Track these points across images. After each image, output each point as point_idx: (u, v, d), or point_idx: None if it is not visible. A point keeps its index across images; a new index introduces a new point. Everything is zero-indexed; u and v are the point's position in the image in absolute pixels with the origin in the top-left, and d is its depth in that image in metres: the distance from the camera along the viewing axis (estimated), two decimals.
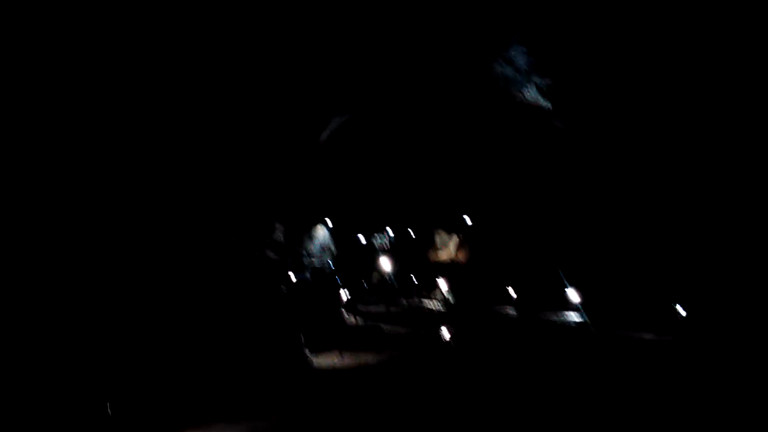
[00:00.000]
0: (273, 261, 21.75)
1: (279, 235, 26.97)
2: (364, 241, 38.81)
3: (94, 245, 10.76)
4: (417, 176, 32.97)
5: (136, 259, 11.52)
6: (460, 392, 12.23)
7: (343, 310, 20.42)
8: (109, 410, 8.79)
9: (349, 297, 21.14)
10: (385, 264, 30.58)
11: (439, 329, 20.28)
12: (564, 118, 25.00)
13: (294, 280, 29.91)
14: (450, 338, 18.81)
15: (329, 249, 39.73)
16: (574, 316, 21.60)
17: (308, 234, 39.89)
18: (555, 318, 21.88)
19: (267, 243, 21.80)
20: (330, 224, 39.31)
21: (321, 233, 40.05)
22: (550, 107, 24.79)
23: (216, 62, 18.97)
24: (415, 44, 23.55)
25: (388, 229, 38.35)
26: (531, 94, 24.78)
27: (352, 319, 19.86)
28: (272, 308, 15.73)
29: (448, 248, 32.01)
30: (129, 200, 13.10)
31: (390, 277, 31.30)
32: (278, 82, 21.95)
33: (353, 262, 35.68)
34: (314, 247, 39.86)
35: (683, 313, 18.43)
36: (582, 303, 21.86)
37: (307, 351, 15.41)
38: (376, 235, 38.29)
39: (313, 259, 39.14)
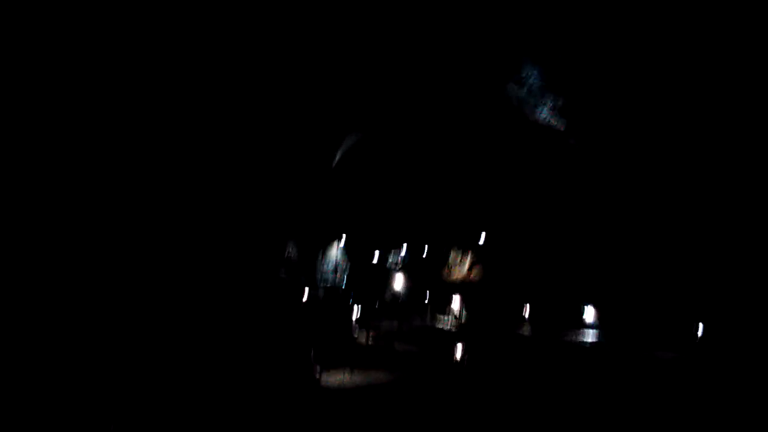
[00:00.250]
0: (285, 280, 21.76)
1: (292, 253, 27.03)
2: (377, 259, 38.71)
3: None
4: (431, 195, 32.93)
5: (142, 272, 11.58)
6: (472, 413, 12.03)
7: (354, 327, 20.28)
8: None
9: (360, 315, 21.00)
10: (398, 282, 30.48)
11: (451, 349, 20.08)
12: (578, 137, 24.90)
13: (305, 297, 29.93)
14: (462, 358, 18.59)
15: (343, 267, 39.67)
16: (591, 336, 21.25)
17: (322, 252, 39.93)
18: (571, 337, 21.52)
19: (281, 262, 21.84)
20: (344, 242, 39.36)
21: (335, 251, 40.04)
22: (564, 127, 24.70)
23: (226, 78, 19.26)
24: (428, 64, 23.74)
25: (403, 246, 38.29)
26: (544, 114, 24.73)
27: (363, 337, 19.73)
28: (282, 326, 15.68)
29: (461, 267, 31.77)
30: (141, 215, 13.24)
31: (403, 296, 31.14)
32: (291, 101, 22.21)
33: (366, 280, 35.57)
34: (328, 265, 39.84)
35: (702, 331, 18.02)
36: (599, 322, 21.55)
37: (317, 368, 15.30)
38: (391, 252, 38.22)
39: (326, 277, 39.13)
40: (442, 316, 28.22)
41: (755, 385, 13.03)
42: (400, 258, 39.47)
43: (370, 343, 19.32)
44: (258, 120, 20.77)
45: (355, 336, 19.92)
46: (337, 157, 28.40)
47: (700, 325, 17.79)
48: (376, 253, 38.68)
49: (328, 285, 38.64)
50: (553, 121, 24.66)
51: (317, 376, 14.96)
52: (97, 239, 11.13)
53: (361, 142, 29.87)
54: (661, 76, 21.30)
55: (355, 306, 21.22)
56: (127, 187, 12.89)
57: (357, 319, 20.64)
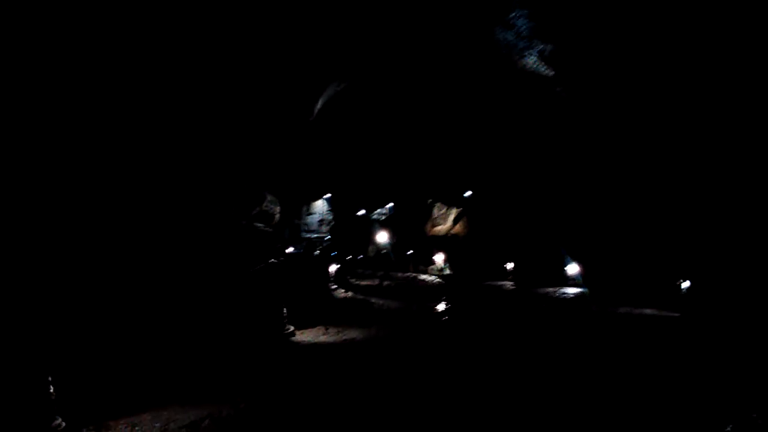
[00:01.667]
0: (262, 232, 20.61)
1: (270, 206, 25.85)
2: (363, 214, 37.74)
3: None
4: (415, 147, 31.64)
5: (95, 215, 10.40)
6: (448, 369, 11.23)
7: (332, 283, 19.39)
8: (51, 390, 7.76)
9: (339, 270, 20.07)
10: (382, 237, 29.63)
11: (432, 303, 19.33)
12: (567, 86, 23.58)
13: (290, 251, 28.97)
14: (444, 312, 17.86)
15: (328, 222, 38.77)
16: (573, 290, 20.57)
17: (307, 207, 38.90)
18: (553, 292, 20.83)
19: (255, 213, 20.64)
20: (329, 196, 38.30)
21: (320, 206, 39.02)
22: (552, 74, 23.33)
23: (201, 22, 17.57)
24: (412, 7, 22.05)
25: (389, 203, 37.29)
26: (532, 60, 23.26)
27: (341, 293, 18.86)
28: (255, 281, 14.67)
29: (446, 221, 30.90)
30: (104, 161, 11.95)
31: (387, 250, 30.36)
32: (270, 46, 20.53)
33: (350, 234, 34.70)
34: (312, 219, 38.89)
35: (686, 287, 17.29)
36: (582, 277, 20.86)
37: (289, 326, 14.43)
38: (376, 207, 37.25)
39: (311, 230, 38.22)
40: (425, 272, 27.45)
41: (735, 347, 12.30)
42: (384, 212, 38.57)
43: (348, 298, 18.46)
44: (230, 64, 19.21)
45: (333, 291, 19.03)
46: (318, 106, 26.88)
47: (685, 282, 17.02)
48: (361, 207, 37.74)
49: (313, 238, 37.84)
50: (541, 68, 23.24)
51: (288, 333, 14.12)
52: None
53: (344, 92, 28.36)
54: (656, 24, 19.93)
55: (334, 261, 20.20)
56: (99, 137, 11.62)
57: (335, 274, 19.69)
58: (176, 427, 8.11)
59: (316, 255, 22.61)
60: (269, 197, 23.64)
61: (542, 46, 22.48)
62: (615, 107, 22.47)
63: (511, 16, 21.78)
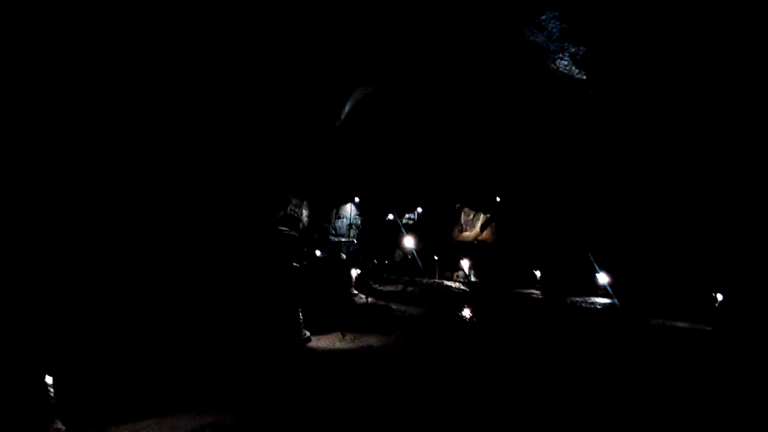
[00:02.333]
0: (287, 236, 20.38)
1: (295, 210, 25.76)
2: (390, 218, 37.35)
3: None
4: (444, 151, 31.04)
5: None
6: (468, 381, 10.68)
7: (353, 288, 18.99)
8: (51, 393, 7.58)
9: (361, 275, 19.65)
10: (409, 242, 29.11)
11: (456, 311, 18.71)
12: (599, 90, 22.70)
13: (318, 255, 28.80)
14: (468, 320, 17.23)
15: (356, 226, 38.55)
16: (602, 301, 19.63)
17: (336, 211, 38.77)
18: (581, 302, 19.93)
19: (280, 217, 20.45)
20: (358, 201, 38.06)
21: (349, 210, 38.85)
22: (585, 78, 22.49)
23: (228, 25, 17.50)
24: (440, 9, 21.60)
25: (417, 208, 36.80)
26: (564, 63, 22.47)
27: (362, 299, 18.43)
28: (273, 285, 14.38)
29: (474, 227, 30.18)
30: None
31: (413, 256, 29.81)
32: (299, 50, 20.36)
33: (378, 239, 34.33)
34: (342, 224, 38.73)
35: (719, 300, 16.24)
36: (612, 288, 19.93)
37: (305, 332, 14.08)
38: (403, 212, 36.80)
39: (340, 236, 38.04)
40: (450, 278, 26.79)
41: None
42: (413, 217, 38.07)
43: (369, 303, 18.01)
44: (257, 70, 19.10)
45: (354, 297, 18.63)
46: (346, 110, 26.62)
47: (719, 296, 15.97)
48: (389, 212, 37.31)
49: (342, 242, 37.64)
50: (574, 72, 22.43)
51: (304, 339, 13.77)
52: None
53: (374, 96, 28.05)
54: (693, 26, 18.97)
55: (354, 267, 19.78)
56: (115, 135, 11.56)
57: (356, 279, 19.28)
58: None
59: (338, 259, 22.27)
60: (294, 201, 23.45)
61: (574, 48, 21.71)
62: (649, 113, 21.50)
63: (541, 18, 21.10)
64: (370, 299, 18.47)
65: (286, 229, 22.51)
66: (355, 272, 18.93)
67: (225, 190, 15.71)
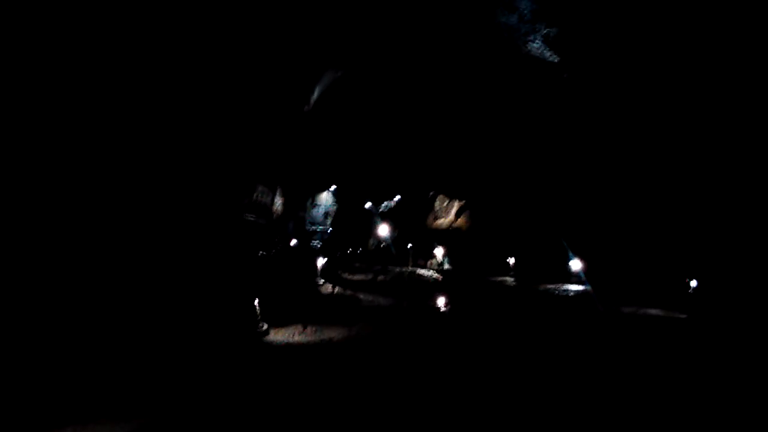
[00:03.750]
0: (252, 224, 19.33)
1: (263, 197, 24.57)
2: (368, 206, 36.39)
3: None
4: (419, 138, 30.07)
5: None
6: (433, 375, 9.84)
7: (319, 278, 18.03)
8: None
9: (327, 263, 18.69)
10: (383, 230, 28.21)
11: (426, 300, 17.88)
12: (573, 73, 21.87)
13: (292, 244, 27.66)
14: (437, 310, 16.41)
15: (333, 215, 37.57)
16: (575, 289, 18.95)
17: (312, 199, 37.69)
18: (555, 289, 19.24)
19: (246, 204, 19.34)
20: (334, 190, 37.05)
21: (325, 198, 37.83)
22: (557, 60, 21.63)
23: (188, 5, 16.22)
24: None
25: (396, 196, 35.87)
26: (537, 44, 21.56)
27: (329, 288, 17.47)
28: (230, 274, 13.37)
29: (448, 214, 29.36)
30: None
31: (387, 244, 28.96)
32: (260, 31, 19.14)
33: (353, 227, 33.39)
34: (318, 212, 37.70)
35: (693, 287, 15.63)
36: (586, 274, 19.27)
37: (263, 324, 13.11)
38: (378, 199, 35.84)
39: (316, 224, 37.01)
40: (424, 266, 25.94)
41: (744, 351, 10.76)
42: (392, 205, 37.12)
43: (335, 295, 17.06)
44: (217, 49, 17.86)
45: (320, 287, 17.67)
46: (315, 95, 25.47)
47: (693, 282, 15.33)
48: (366, 200, 36.33)
49: (318, 230, 36.60)
50: (546, 54, 21.54)
51: (261, 332, 12.80)
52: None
53: (345, 81, 26.95)
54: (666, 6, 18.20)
55: (321, 255, 18.81)
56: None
57: (323, 268, 18.32)
58: None
59: (305, 248, 21.28)
60: (260, 188, 22.30)
61: (546, 30, 20.83)
62: (624, 96, 20.77)
63: None
64: (336, 289, 17.52)
65: (253, 216, 21.38)
66: (321, 261, 17.94)
67: (178, 175, 14.57)
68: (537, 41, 21.25)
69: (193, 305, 11.25)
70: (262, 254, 19.18)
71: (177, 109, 15.26)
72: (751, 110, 16.16)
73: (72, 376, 8.48)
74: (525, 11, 20.56)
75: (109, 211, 11.00)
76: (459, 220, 28.31)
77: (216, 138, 17.12)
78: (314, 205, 37.07)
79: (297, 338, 12.89)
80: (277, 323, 13.76)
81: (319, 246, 29.99)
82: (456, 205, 28.87)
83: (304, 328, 13.70)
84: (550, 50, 21.26)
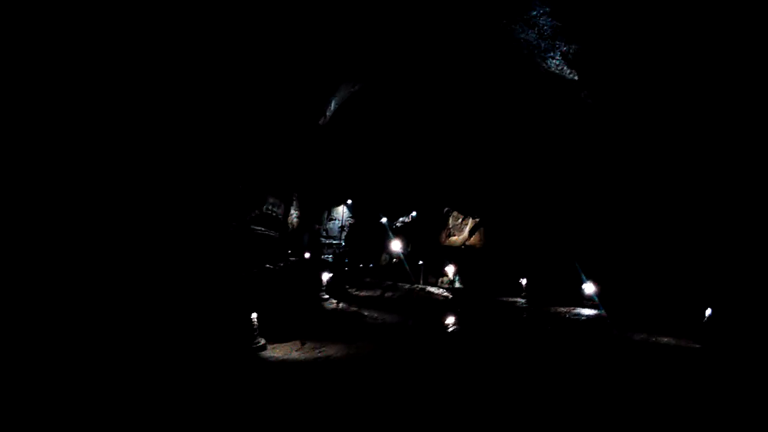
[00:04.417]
0: (260, 236, 19.02)
1: (274, 209, 24.31)
2: (383, 221, 35.95)
3: None
4: (436, 153, 29.61)
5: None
6: (433, 400, 9.25)
7: (324, 293, 17.56)
8: None
9: (333, 278, 18.23)
10: (396, 245, 27.72)
11: (432, 319, 17.27)
12: (593, 91, 21.23)
13: (306, 257, 27.31)
14: (443, 330, 15.80)
15: (347, 229, 37.25)
16: (587, 313, 18.14)
17: (328, 212, 37.46)
18: (566, 312, 18.45)
19: (254, 216, 19.06)
20: (350, 203, 36.78)
21: (341, 212, 37.56)
22: (576, 78, 21.02)
23: (203, 16, 16.15)
24: (428, 5, 20.26)
25: (412, 211, 35.38)
26: (556, 61, 21.02)
27: (333, 304, 16.99)
28: (229, 287, 13.00)
29: (462, 231, 28.73)
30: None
31: (400, 260, 28.38)
32: (276, 43, 19.00)
33: (366, 242, 32.95)
34: (334, 225, 37.42)
35: (708, 318, 14.72)
36: (599, 298, 18.47)
37: (260, 339, 12.67)
38: (393, 214, 35.37)
39: (331, 238, 36.70)
40: (435, 284, 25.29)
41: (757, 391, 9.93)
42: (405, 220, 36.62)
43: (339, 311, 16.55)
44: (232, 60, 17.74)
45: (324, 302, 17.20)
46: (331, 108, 25.26)
47: (708, 311, 14.43)
48: (382, 215, 35.91)
49: (333, 244, 36.27)
50: (565, 71, 20.97)
51: (257, 347, 12.35)
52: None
53: (362, 95, 26.75)
54: (690, 23, 17.54)
55: (327, 270, 18.36)
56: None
57: (330, 284, 17.86)
58: None
59: (314, 261, 20.88)
60: (272, 200, 22.07)
61: (566, 47, 20.29)
62: (643, 118, 20.04)
63: (532, 14, 19.70)
64: (341, 305, 17.03)
65: (262, 229, 21.08)
66: (326, 276, 17.49)
67: (183, 185, 14.33)
68: (556, 58, 20.72)
69: (183, 318, 10.87)
70: (268, 267, 18.83)
71: (181, 120, 15.05)
72: None
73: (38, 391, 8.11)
74: (545, 28, 20.08)
75: (103, 216, 10.72)
76: (473, 237, 27.66)
77: (222, 148, 16.90)
78: (330, 218, 36.82)
79: (294, 355, 12.42)
80: (276, 339, 13.32)
81: (330, 260, 29.61)
82: (470, 223, 28.25)
83: (303, 344, 13.23)
84: (569, 68, 20.70)
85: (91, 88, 11.43)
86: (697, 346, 13.71)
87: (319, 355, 12.50)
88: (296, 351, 12.76)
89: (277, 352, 12.59)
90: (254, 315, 12.52)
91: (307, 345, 13.22)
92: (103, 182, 10.47)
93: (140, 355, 9.65)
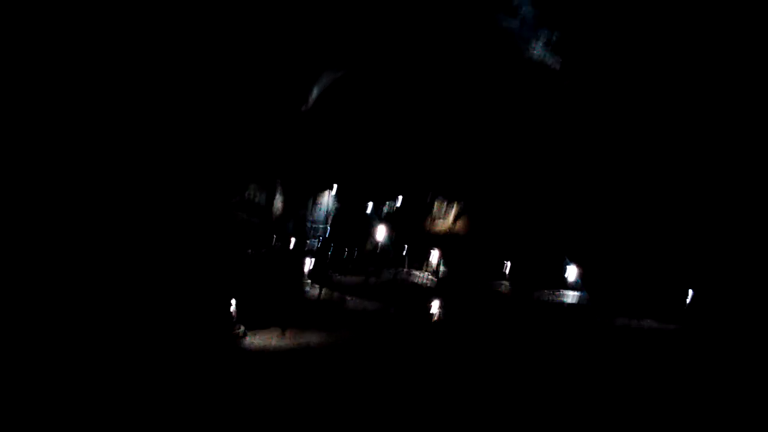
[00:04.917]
0: (242, 222, 18.83)
1: (256, 195, 24.10)
2: (369, 207, 35.76)
3: None
4: (421, 139, 29.44)
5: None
6: (410, 386, 9.29)
7: (307, 279, 17.48)
8: None
9: (316, 265, 18.16)
10: (381, 232, 27.62)
11: (415, 305, 17.29)
12: (575, 79, 21.22)
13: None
14: (424, 316, 15.86)
15: (332, 215, 37.02)
16: (571, 297, 18.33)
17: (314, 199, 37.15)
18: (549, 295, 18.65)
19: (236, 202, 18.85)
20: (336, 189, 36.53)
21: (326, 198, 37.30)
22: (559, 66, 20.99)
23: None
24: None
25: (398, 198, 35.25)
26: (538, 50, 20.94)
27: (316, 291, 16.88)
28: (207, 273, 12.89)
29: (447, 218, 28.70)
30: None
31: (385, 246, 28.35)
32: (257, 30, 18.65)
33: (351, 229, 32.81)
34: (320, 212, 37.15)
35: (690, 300, 14.94)
36: (582, 283, 18.66)
37: (240, 326, 12.59)
38: (377, 202, 35.26)
39: (317, 224, 36.47)
40: (419, 270, 25.27)
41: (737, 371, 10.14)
42: (392, 206, 36.48)
43: (321, 298, 16.47)
44: (211, 47, 17.39)
45: (307, 289, 17.13)
46: (314, 94, 24.98)
47: (689, 293, 14.63)
48: (368, 201, 35.74)
49: (320, 230, 36.07)
50: (548, 59, 20.91)
51: (237, 336, 12.27)
52: None
53: (346, 82, 26.49)
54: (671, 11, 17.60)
55: (309, 256, 18.27)
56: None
57: (313, 270, 17.78)
58: None
59: (294, 247, 20.73)
60: (253, 186, 21.89)
61: (549, 34, 20.24)
62: (624, 105, 20.12)
63: (514, 2, 19.61)
64: (324, 291, 16.94)
65: (245, 215, 20.88)
66: (309, 262, 17.40)
67: (159, 170, 14.11)
68: (538, 46, 20.65)
69: (159, 304, 10.75)
70: (250, 253, 18.66)
71: (164, 107, 14.80)
72: (749, 113, 15.56)
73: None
74: (527, 16, 19.98)
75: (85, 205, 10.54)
76: (457, 223, 27.66)
77: (203, 136, 16.65)
78: (316, 204, 36.58)
79: (274, 343, 12.36)
80: (256, 326, 13.21)
81: (316, 246, 29.48)
82: (455, 209, 28.22)
83: (283, 332, 13.15)
84: (551, 56, 20.64)
85: (74, 77, 11.23)
86: (676, 326, 13.95)
87: (299, 343, 12.47)
88: (277, 339, 12.70)
89: (257, 339, 12.51)
90: (233, 302, 12.40)
91: (288, 333, 13.14)
92: (74, 165, 10.27)
93: (110, 344, 9.53)
